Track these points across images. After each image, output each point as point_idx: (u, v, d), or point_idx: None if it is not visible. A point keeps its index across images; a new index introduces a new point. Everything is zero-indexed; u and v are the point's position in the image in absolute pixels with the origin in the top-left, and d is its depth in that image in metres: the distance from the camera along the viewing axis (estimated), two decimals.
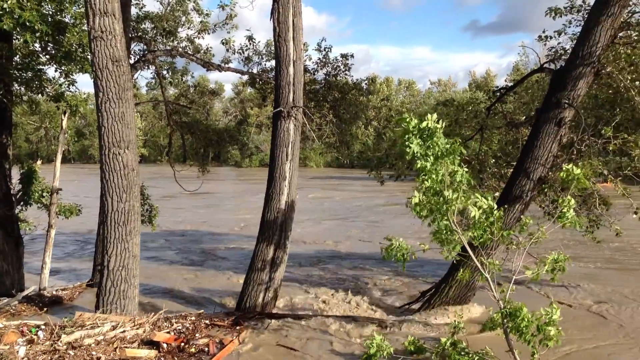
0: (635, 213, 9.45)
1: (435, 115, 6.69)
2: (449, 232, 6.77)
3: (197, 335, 8.03)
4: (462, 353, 7.19)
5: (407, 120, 6.61)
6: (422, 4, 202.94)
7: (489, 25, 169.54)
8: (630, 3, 9.40)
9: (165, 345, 7.45)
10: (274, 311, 9.83)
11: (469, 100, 15.33)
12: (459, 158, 6.63)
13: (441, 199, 6.61)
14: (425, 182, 6.61)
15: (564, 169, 6.94)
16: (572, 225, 6.88)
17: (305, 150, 73.33)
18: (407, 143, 6.56)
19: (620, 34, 9.94)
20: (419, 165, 6.56)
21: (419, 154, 6.55)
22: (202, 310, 9.71)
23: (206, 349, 7.50)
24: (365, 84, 15.02)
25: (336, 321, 9.41)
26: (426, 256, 14.23)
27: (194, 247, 18.19)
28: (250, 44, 14.59)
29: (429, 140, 6.58)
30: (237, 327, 8.62)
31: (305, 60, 14.18)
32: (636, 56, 9.87)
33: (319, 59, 14.36)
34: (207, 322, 8.68)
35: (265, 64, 14.59)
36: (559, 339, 6.56)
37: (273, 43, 9.98)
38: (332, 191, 43.58)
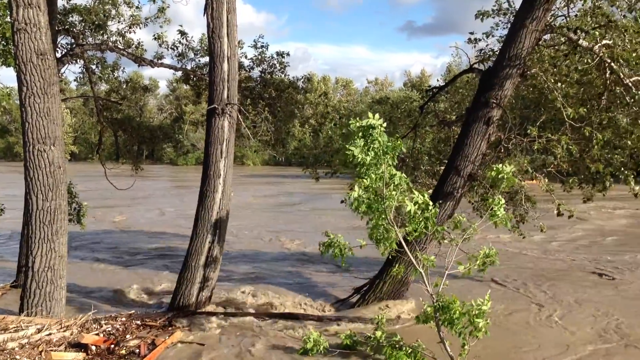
0: (558, 209, 9.88)
1: (377, 115, 6.82)
2: (385, 230, 6.90)
3: (127, 336, 7.84)
4: (396, 346, 7.35)
5: (352, 123, 6.73)
6: (359, 4, 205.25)
7: (424, 27, 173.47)
8: (554, 7, 9.80)
9: (93, 348, 7.24)
10: (210, 310, 9.70)
11: (403, 98, 15.63)
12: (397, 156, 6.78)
13: (379, 197, 6.73)
14: (365, 180, 6.71)
15: (494, 167, 7.19)
16: (502, 223, 7.14)
17: (243, 148, 72.77)
18: (349, 147, 6.65)
19: (545, 37, 10.37)
20: (359, 160, 6.65)
21: (359, 153, 6.65)
22: (134, 311, 9.47)
23: (137, 350, 7.32)
24: (302, 82, 15.05)
25: (273, 318, 9.41)
26: (364, 252, 14.47)
27: (126, 246, 17.72)
28: (183, 39, 14.34)
29: (370, 137, 6.69)
30: (170, 327, 8.47)
31: (240, 58, 14.08)
32: (559, 58, 10.33)
33: (255, 56, 14.29)
34: (139, 322, 8.48)
35: (199, 60, 14.37)
36: (488, 330, 6.80)
37: (207, 39, 9.86)
38: (269, 188, 43.43)
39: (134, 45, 14.17)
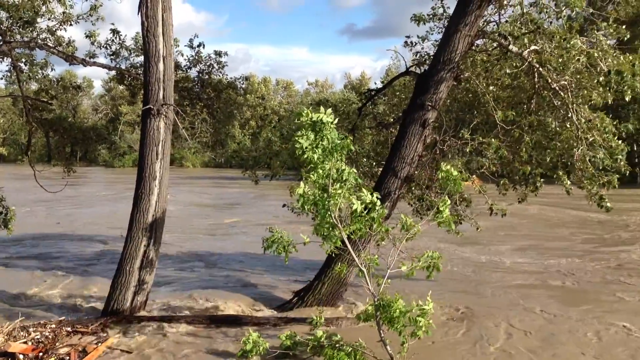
0: (490, 209, 10.19)
1: (329, 110, 6.83)
2: (330, 227, 6.91)
3: (57, 344, 7.56)
4: (337, 346, 7.38)
5: (303, 113, 6.70)
6: (300, 6, 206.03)
7: (365, 30, 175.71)
8: (485, 13, 10.11)
9: (21, 357, 6.94)
10: (145, 315, 9.48)
11: (342, 101, 15.74)
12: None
13: (325, 194, 6.73)
14: (312, 176, 6.71)
15: (442, 169, 7.34)
16: (446, 224, 7.29)
17: (181, 150, 71.61)
18: (298, 139, 6.63)
19: (477, 42, 10.67)
20: (306, 156, 6.65)
21: (308, 148, 6.63)
22: (64, 317, 9.15)
23: (67, 358, 7.07)
24: (240, 82, 14.93)
25: (211, 322, 9.28)
26: (307, 255, 14.48)
27: (56, 250, 17.06)
28: (117, 38, 13.96)
29: (320, 133, 6.69)
30: (104, 334, 8.22)
31: (177, 57, 13.85)
32: (491, 63, 10.66)
33: (192, 56, 14.08)
34: (70, 329, 8.20)
35: (134, 60, 14.03)
36: (429, 330, 6.94)
37: (142, 38, 9.64)
38: (207, 190, 42.90)
39: (65, 43, 13.66)
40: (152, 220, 9.34)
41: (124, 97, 77.48)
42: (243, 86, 15.74)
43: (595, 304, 11.05)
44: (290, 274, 13.71)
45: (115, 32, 13.82)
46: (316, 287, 10.17)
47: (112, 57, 13.90)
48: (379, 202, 6.96)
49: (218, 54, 14.27)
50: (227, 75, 14.63)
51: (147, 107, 9.25)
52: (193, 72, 14.54)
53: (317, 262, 11.13)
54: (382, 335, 7.15)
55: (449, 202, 7.36)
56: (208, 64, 14.13)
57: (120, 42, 13.99)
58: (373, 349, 7.36)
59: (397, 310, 6.82)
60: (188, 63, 14.43)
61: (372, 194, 6.94)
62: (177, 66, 13.94)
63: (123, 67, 14.17)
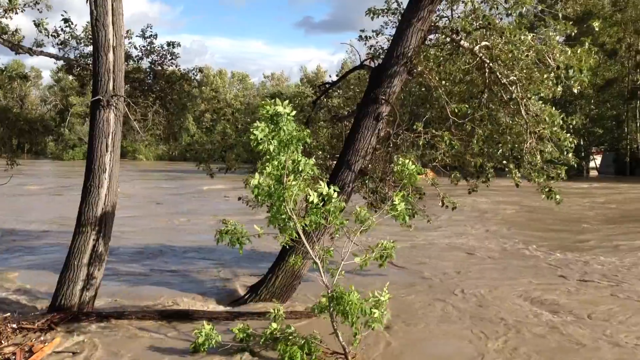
0: (442, 202, 10.36)
1: (286, 102, 6.80)
2: (285, 219, 6.89)
3: (2, 342, 7.31)
4: (290, 338, 7.38)
5: (264, 105, 6.68)
6: None
7: (322, 23, 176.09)
8: (438, 8, 10.23)
9: None
10: (95, 311, 9.26)
11: (297, 94, 15.71)
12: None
13: (280, 185, 6.70)
14: (267, 167, 6.67)
15: (398, 162, 7.40)
16: (400, 218, 7.35)
17: (134, 142, 70.26)
18: (252, 130, 6.58)
19: (430, 37, 10.80)
20: (261, 147, 6.60)
21: (263, 140, 6.59)
22: (9, 314, 8.86)
23: (13, 357, 6.85)
24: (194, 74, 14.72)
25: (163, 317, 9.14)
26: (262, 249, 14.41)
27: (1, 245, 16.53)
28: (68, 27, 13.55)
29: (277, 125, 6.65)
30: (51, 331, 8.00)
31: (128, 48, 13.55)
32: (444, 58, 10.79)
33: (144, 46, 13.78)
34: (15, 326, 7.93)
35: (83, 50, 13.65)
36: (383, 321, 7.01)
37: (91, 27, 9.39)
38: (161, 183, 42.27)
39: (10, 32, 13.18)
40: (102, 213, 9.12)
41: (74, 88, 75.45)
42: (197, 78, 15.53)
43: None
44: (245, 267, 13.64)
45: (66, 20, 13.41)
46: (270, 280, 10.14)
47: (60, 46, 13.49)
48: (335, 195, 6.98)
49: (171, 45, 14.02)
50: (180, 67, 14.42)
51: (97, 98, 9.02)
52: (145, 63, 14.27)
53: (274, 255, 11.10)
54: (335, 326, 7.19)
55: (402, 194, 7.43)
56: (161, 55, 13.87)
57: (71, 31, 13.60)
58: (327, 341, 7.40)
59: (350, 302, 6.87)
60: (140, 54, 14.14)
61: (329, 186, 6.96)
62: (129, 57, 13.63)
63: (72, 57, 13.77)
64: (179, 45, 14.01)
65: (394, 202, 7.39)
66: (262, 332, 7.77)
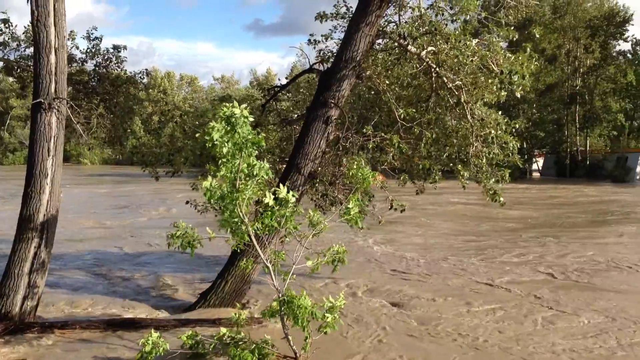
0: (391, 205, 10.49)
1: (244, 105, 6.72)
2: (238, 222, 6.82)
3: None
4: (240, 344, 7.30)
5: (219, 108, 6.57)
6: (206, 0, 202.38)
7: (272, 26, 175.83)
8: (386, 13, 10.36)
9: None
10: (36, 321, 8.94)
11: (246, 97, 15.62)
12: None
13: (233, 188, 6.63)
14: (221, 170, 6.58)
15: (353, 166, 7.43)
16: (353, 221, 7.38)
17: (78, 146, 68.48)
18: (209, 131, 6.47)
19: (379, 41, 10.91)
20: (216, 150, 6.51)
21: (218, 142, 6.49)
22: None
23: None
24: (141, 77, 14.45)
25: (108, 327, 8.90)
26: (210, 252, 14.23)
27: None
28: (6, 27, 13.09)
29: (232, 128, 6.56)
30: None
31: (72, 49, 13.20)
32: (392, 62, 10.94)
33: (88, 48, 13.44)
34: None
35: (24, 51, 13.21)
36: (336, 325, 7.02)
37: (32, 28, 9.10)
38: (106, 187, 41.28)
39: None
40: (44, 220, 8.83)
41: (14, 90, 72.92)
42: (144, 81, 15.24)
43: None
44: (195, 273, 13.46)
45: (5, 21, 12.95)
46: (219, 286, 10.02)
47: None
48: (293, 199, 6.96)
49: (117, 47, 13.73)
50: (126, 69, 14.13)
51: (37, 100, 8.74)
52: (90, 66, 13.93)
53: (225, 260, 10.98)
54: (286, 331, 7.17)
55: (357, 198, 7.48)
56: (106, 57, 13.56)
57: (11, 32, 13.14)
58: (278, 346, 7.37)
59: (301, 306, 6.86)
60: (84, 56, 13.78)
61: (287, 190, 6.92)
62: (72, 59, 13.28)
63: (12, 58, 13.31)
64: (124, 48, 13.73)
65: (348, 206, 7.42)
66: (211, 338, 7.67)
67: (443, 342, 8.66)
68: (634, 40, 70.61)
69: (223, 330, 7.58)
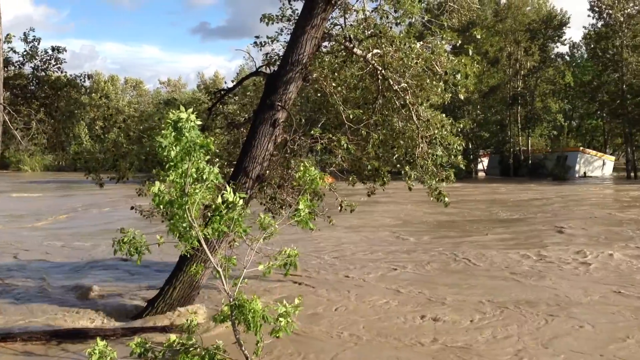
0: (341, 206, 10.56)
1: (191, 109, 6.61)
2: (187, 227, 6.70)
3: None
4: (190, 350, 7.18)
5: (166, 113, 6.43)
6: (150, 3, 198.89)
7: (218, 29, 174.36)
8: (331, 16, 10.43)
9: None
10: None
11: (192, 100, 15.43)
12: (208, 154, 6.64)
13: (182, 193, 6.51)
14: (170, 175, 6.45)
15: (302, 168, 7.40)
16: (303, 223, 7.35)
17: (18, 153, 66.14)
18: (159, 139, 6.32)
19: (325, 44, 10.98)
20: (165, 154, 6.37)
21: (167, 147, 6.36)
22: None
23: None
24: (82, 80, 14.04)
25: (52, 337, 8.62)
26: (157, 258, 13.98)
27: None
28: None
29: (180, 132, 6.43)
30: None
31: (8, 52, 12.74)
32: (338, 64, 11.02)
33: (25, 50, 12.98)
34: None
35: None
36: (290, 330, 6.98)
37: None
38: (49, 194, 40.02)
39: None
40: None
41: None
42: (85, 84, 14.82)
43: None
44: (141, 281, 13.19)
45: None
46: (167, 292, 9.85)
47: None
48: (241, 202, 6.89)
49: (56, 49, 13.30)
50: (67, 72, 13.71)
51: None
52: (28, 69, 13.45)
53: (170, 267, 10.81)
54: (238, 336, 7.09)
55: (307, 201, 7.46)
56: (44, 60, 13.12)
57: None
58: (230, 351, 7.29)
59: (252, 310, 6.81)
60: (22, 59, 13.30)
61: (236, 194, 6.85)
62: (9, 62, 12.79)
63: None
64: (64, 50, 13.31)
65: (298, 208, 7.40)
66: (161, 346, 7.52)
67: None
68: (571, 43, 73.78)
69: (173, 337, 7.44)
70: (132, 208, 11.33)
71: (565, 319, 9.70)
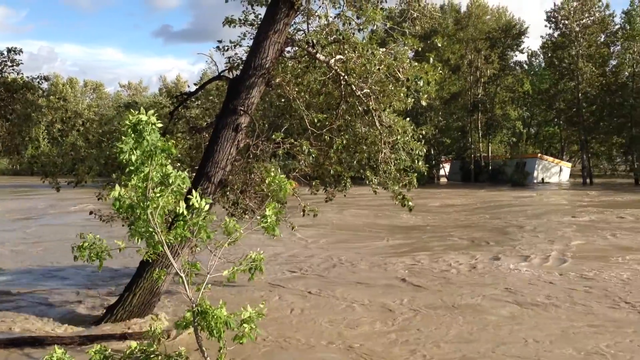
0: (304, 211, 10.57)
1: (152, 111, 6.49)
2: (150, 232, 6.58)
3: None
4: (152, 356, 7.06)
5: (127, 115, 6.30)
6: (112, 4, 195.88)
7: (181, 32, 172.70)
8: (294, 21, 10.46)
9: None
10: None
11: (153, 104, 15.25)
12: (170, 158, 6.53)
13: (144, 198, 6.40)
14: (132, 179, 6.33)
15: (270, 174, 7.37)
16: (271, 229, 7.30)
17: None
18: (118, 144, 6.19)
19: (288, 49, 10.98)
20: (122, 159, 6.24)
21: (128, 151, 6.23)
22: None
23: None
24: (39, 82, 13.72)
25: (10, 344, 8.39)
26: (118, 264, 13.73)
27: None
28: None
29: (140, 135, 6.31)
30: None
31: None
32: (301, 70, 11.04)
33: None
34: None
35: None
36: (254, 336, 6.92)
37: None
38: (3, 200, 38.87)
39: None
40: None
41: None
42: (43, 87, 14.50)
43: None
44: (100, 287, 12.92)
45: None
46: (127, 299, 9.67)
47: None
48: (207, 207, 6.81)
49: (12, 50, 12.98)
50: (23, 74, 13.38)
51: None
52: None
53: (130, 273, 10.63)
54: (200, 342, 7.01)
55: (274, 207, 7.43)
56: (0, 61, 12.79)
57: None
58: (192, 358, 7.20)
59: (215, 317, 6.74)
60: None
61: (201, 199, 6.76)
62: None
63: None
64: (21, 51, 13.00)
65: (266, 214, 7.36)
66: (121, 353, 7.37)
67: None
68: (530, 51, 75.54)
69: (134, 343, 7.31)
70: (91, 213, 11.12)
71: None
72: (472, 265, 14.97)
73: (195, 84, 13.36)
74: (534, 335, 9.15)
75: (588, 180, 56.40)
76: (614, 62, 59.40)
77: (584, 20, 57.29)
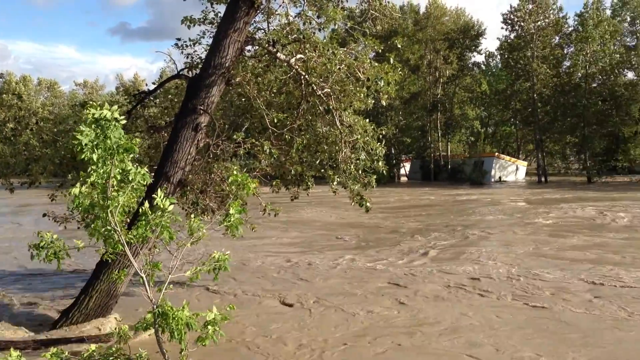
0: (265, 209, 10.53)
1: (115, 107, 6.32)
2: (110, 231, 6.45)
3: None
4: (111, 359, 6.93)
5: (87, 108, 6.12)
6: (67, 1, 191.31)
7: (139, 30, 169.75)
8: (255, 20, 10.40)
9: None
10: None
11: (110, 102, 14.95)
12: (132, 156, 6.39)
13: (104, 196, 6.25)
14: (91, 176, 6.17)
15: (234, 173, 7.30)
16: (234, 228, 7.24)
17: None
18: (77, 136, 6.00)
19: (248, 48, 10.91)
20: (83, 156, 6.08)
21: (88, 147, 6.05)
22: None
23: None
24: None
25: None
26: (76, 266, 13.41)
27: None
28: None
29: (102, 132, 6.14)
30: None
31: None
32: (261, 69, 10.99)
33: None
34: None
35: None
36: (217, 338, 6.85)
37: None
38: None
39: None
40: None
41: None
42: None
43: None
44: (54, 290, 12.61)
45: None
46: (82, 302, 9.45)
47: None
48: (171, 207, 6.71)
49: None
50: None
51: None
52: None
53: (86, 275, 10.40)
54: (161, 344, 6.91)
55: (239, 206, 7.37)
56: None
57: None
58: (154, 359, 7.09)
59: (177, 318, 6.65)
60: None
61: (166, 198, 6.65)
62: None
63: None
64: None
65: (230, 212, 7.29)
66: (79, 356, 7.21)
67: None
68: (487, 52, 77.00)
69: (92, 346, 7.16)
70: (44, 215, 10.84)
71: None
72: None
73: (153, 83, 13.15)
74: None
75: (543, 179, 57.80)
76: (567, 64, 61.02)
77: (539, 22, 58.71)
